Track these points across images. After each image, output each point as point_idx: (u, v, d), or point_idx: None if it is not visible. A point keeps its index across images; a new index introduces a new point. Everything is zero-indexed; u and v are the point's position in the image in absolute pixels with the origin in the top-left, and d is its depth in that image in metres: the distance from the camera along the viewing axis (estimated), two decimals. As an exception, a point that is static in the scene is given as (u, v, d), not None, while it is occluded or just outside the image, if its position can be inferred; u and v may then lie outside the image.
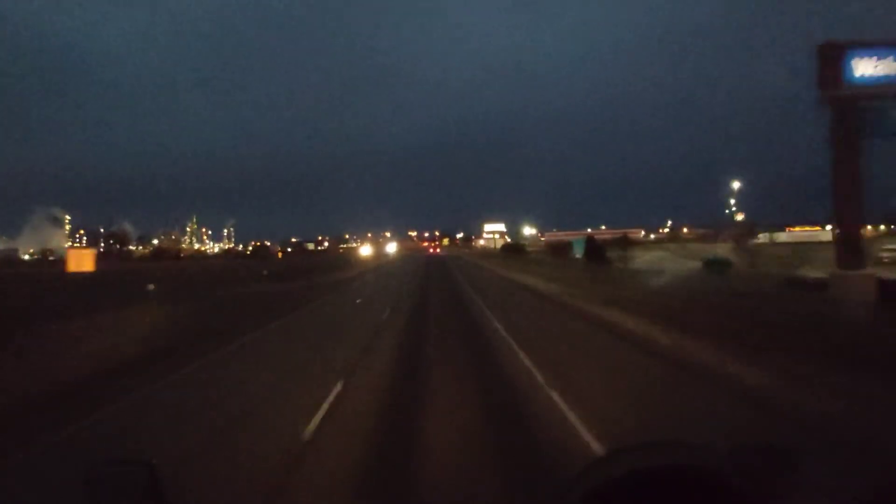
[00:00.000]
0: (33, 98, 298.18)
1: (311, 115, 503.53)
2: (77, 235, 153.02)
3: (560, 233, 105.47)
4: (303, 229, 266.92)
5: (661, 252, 40.50)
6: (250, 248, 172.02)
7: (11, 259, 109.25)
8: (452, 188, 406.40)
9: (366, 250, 78.51)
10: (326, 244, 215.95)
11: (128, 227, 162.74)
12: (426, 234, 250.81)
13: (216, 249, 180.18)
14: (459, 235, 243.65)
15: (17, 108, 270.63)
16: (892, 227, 50.90)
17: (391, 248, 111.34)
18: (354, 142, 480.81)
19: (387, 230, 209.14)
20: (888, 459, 4.77)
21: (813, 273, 18.75)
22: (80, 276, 46.74)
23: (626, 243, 39.35)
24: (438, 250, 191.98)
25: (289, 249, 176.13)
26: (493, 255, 74.57)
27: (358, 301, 24.54)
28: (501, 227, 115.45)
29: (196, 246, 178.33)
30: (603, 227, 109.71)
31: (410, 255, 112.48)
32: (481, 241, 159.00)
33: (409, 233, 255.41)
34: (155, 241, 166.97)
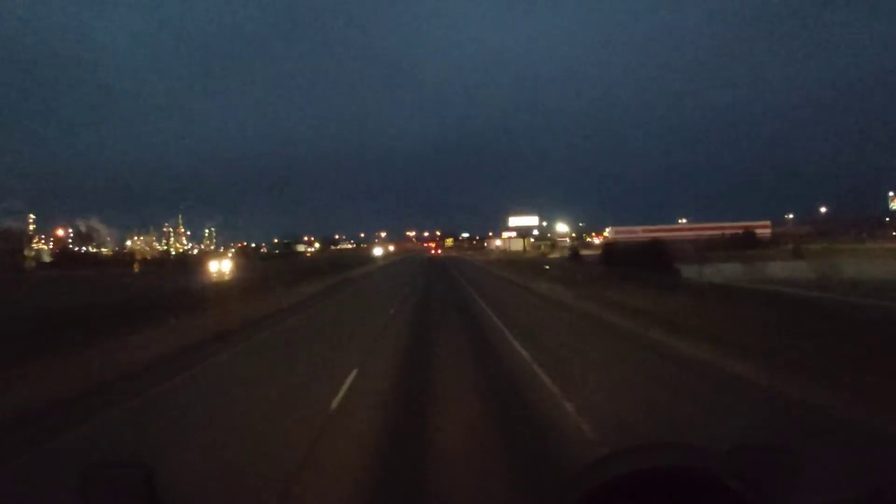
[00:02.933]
0: (22, 97, 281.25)
1: (311, 116, 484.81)
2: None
3: (636, 229, 71.25)
4: (301, 230, 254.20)
5: None
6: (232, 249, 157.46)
7: None
8: (454, 188, 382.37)
9: (216, 266, 40.82)
10: (318, 245, 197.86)
11: (97, 226, 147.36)
12: (426, 234, 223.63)
13: (195, 251, 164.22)
14: (465, 235, 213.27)
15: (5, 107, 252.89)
16: None
17: (378, 251, 78.12)
18: (354, 142, 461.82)
19: (382, 230, 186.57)
20: (887, 459, 4.64)
21: None
22: None
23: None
24: (440, 251, 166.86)
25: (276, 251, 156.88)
26: (544, 268, 38.37)
27: None
28: (534, 220, 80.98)
29: (171, 249, 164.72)
30: (683, 221, 76.66)
31: (403, 260, 79.57)
32: (497, 242, 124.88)
33: (407, 233, 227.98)
34: (128, 243, 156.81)
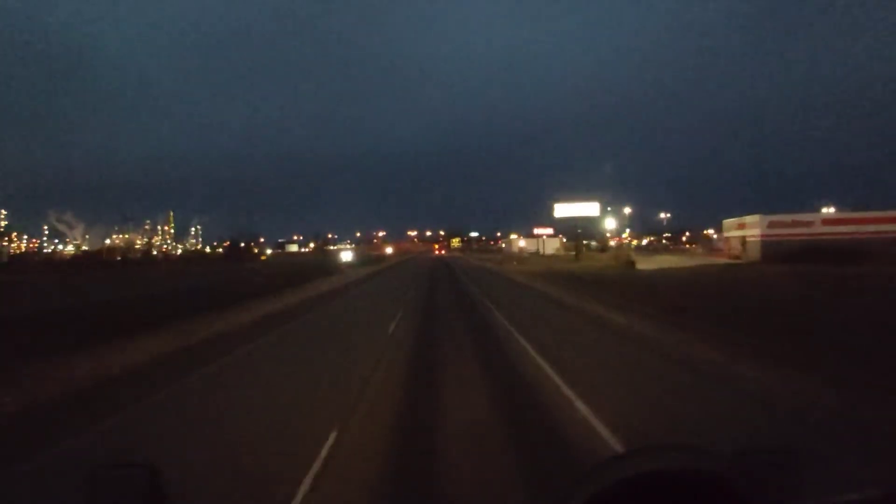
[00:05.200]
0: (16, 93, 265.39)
1: (313, 115, 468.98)
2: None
3: (808, 219, 42.90)
4: (298, 229, 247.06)
5: None
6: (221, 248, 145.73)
7: None
8: (459, 187, 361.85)
9: None
10: (312, 245, 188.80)
11: (71, 221, 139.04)
12: (428, 234, 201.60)
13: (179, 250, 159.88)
14: (474, 234, 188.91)
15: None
16: None
17: (347, 256, 51.70)
18: (355, 141, 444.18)
19: (382, 229, 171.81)
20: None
21: None
22: None
23: None
24: (444, 252, 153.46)
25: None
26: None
27: None
28: (593, 208, 53.36)
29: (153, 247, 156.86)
30: (831, 210, 49.98)
31: (393, 270, 53.89)
32: (521, 243, 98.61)
33: (409, 232, 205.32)
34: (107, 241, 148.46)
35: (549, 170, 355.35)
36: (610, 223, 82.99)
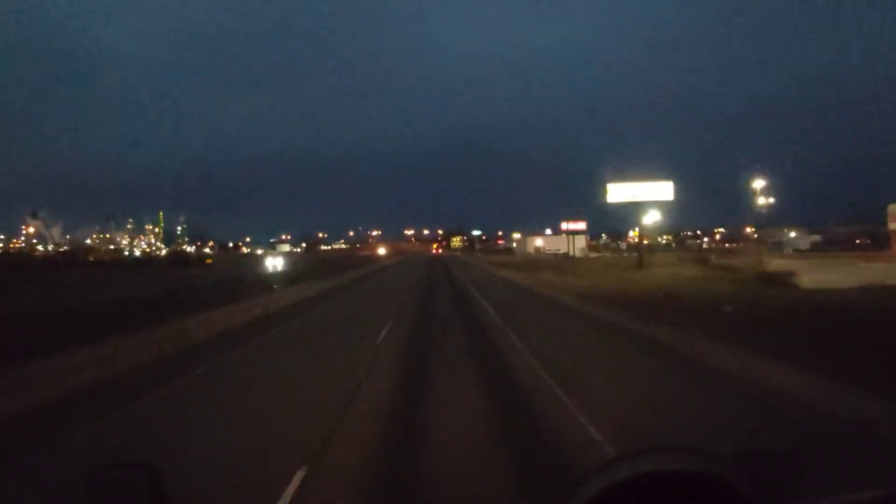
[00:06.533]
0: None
1: (315, 117, 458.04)
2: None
3: None
4: (297, 229, 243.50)
5: None
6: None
7: None
8: (457, 186, 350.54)
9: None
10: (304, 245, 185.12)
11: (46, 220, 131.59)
12: (426, 233, 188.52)
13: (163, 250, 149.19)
14: (476, 232, 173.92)
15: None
16: None
17: (276, 262, 35.37)
18: (355, 142, 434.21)
19: (378, 229, 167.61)
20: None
21: None
22: None
23: None
24: (440, 250, 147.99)
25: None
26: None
27: None
28: (665, 189, 37.56)
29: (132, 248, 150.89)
30: None
31: (379, 275, 37.95)
32: (538, 241, 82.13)
33: (406, 231, 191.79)
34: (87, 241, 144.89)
35: (551, 169, 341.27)
36: (653, 216, 65.96)
